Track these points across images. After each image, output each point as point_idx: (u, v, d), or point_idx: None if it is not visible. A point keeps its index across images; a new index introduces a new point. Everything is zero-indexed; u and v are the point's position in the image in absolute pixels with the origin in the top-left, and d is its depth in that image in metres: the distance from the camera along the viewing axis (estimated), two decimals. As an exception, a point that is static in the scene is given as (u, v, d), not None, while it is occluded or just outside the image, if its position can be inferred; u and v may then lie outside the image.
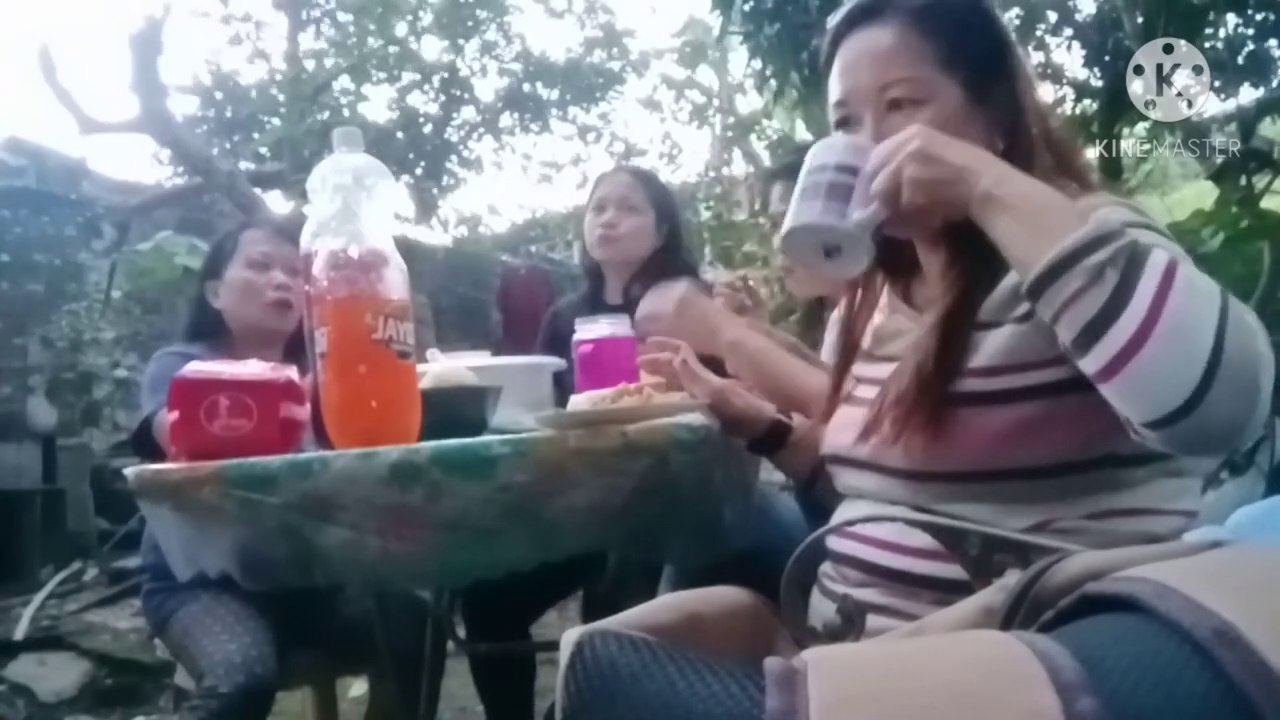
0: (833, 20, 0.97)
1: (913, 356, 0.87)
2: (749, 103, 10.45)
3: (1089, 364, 0.70)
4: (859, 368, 1.00)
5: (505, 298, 7.24)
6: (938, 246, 0.93)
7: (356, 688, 2.37)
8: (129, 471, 1.08)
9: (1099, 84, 4.19)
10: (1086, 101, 4.72)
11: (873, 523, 0.86)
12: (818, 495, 1.12)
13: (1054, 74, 4.74)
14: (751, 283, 1.67)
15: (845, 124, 0.94)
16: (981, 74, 0.90)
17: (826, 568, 0.92)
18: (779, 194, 1.69)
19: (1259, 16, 4.07)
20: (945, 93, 0.90)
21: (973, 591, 0.73)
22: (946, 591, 0.78)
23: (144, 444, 1.56)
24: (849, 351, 1.03)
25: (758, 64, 4.63)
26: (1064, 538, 0.77)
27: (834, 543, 0.90)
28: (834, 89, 0.95)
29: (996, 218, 0.76)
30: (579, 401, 1.11)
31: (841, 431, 0.96)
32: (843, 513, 0.94)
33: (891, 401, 0.86)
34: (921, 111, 0.89)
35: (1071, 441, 0.80)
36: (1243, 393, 0.65)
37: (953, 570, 0.78)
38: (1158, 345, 0.66)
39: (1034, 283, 0.72)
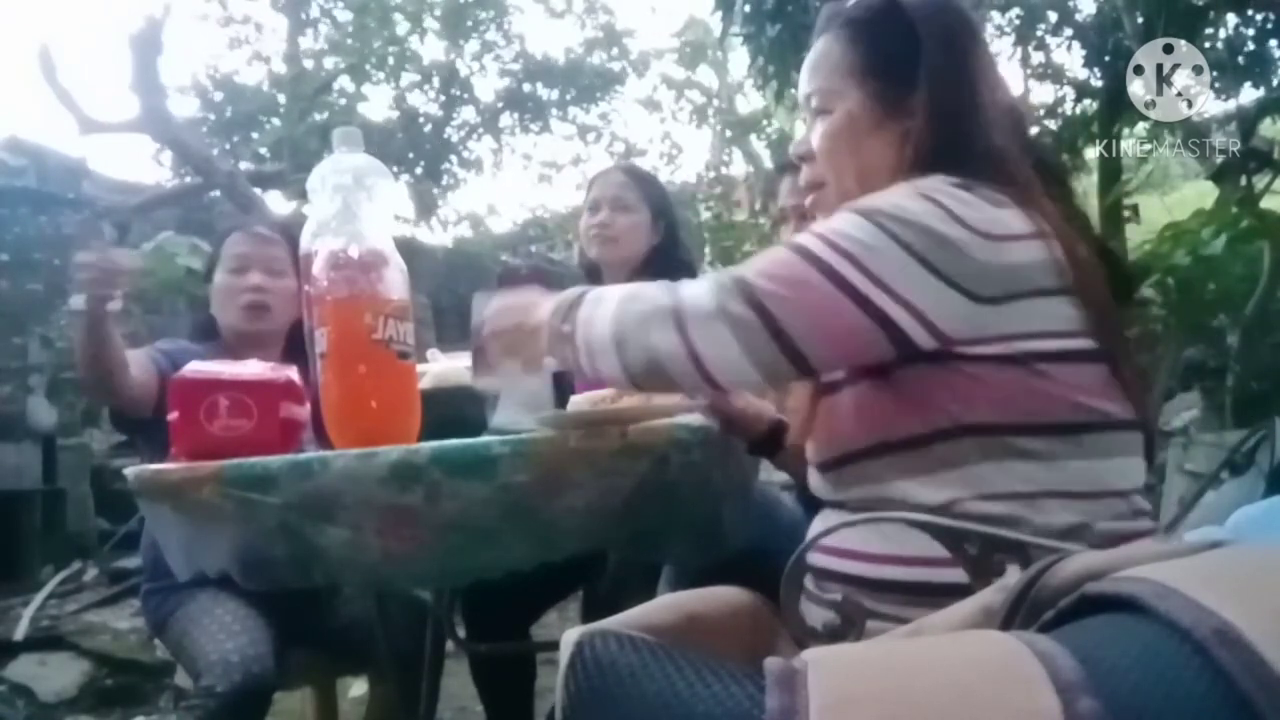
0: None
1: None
2: (749, 103, 10.47)
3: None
4: None
5: (503, 298, 7.22)
6: None
7: (356, 688, 2.37)
8: (129, 471, 1.08)
9: (1099, 84, 4.20)
10: (1086, 101, 4.73)
11: (847, 528, 0.86)
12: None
13: (1054, 74, 4.75)
14: None
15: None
16: (893, 83, 0.91)
17: (809, 579, 0.92)
18: (788, 187, 1.67)
19: (1259, 16, 4.07)
20: (848, 99, 0.93)
21: (943, 593, 0.73)
22: (918, 594, 0.79)
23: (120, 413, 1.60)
24: None
25: (758, 64, 4.63)
26: (980, 522, 0.77)
27: (810, 556, 0.90)
28: None
29: (565, 349, 0.90)
30: (579, 402, 1.11)
31: (800, 429, 0.99)
32: (813, 527, 0.94)
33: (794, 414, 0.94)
34: (825, 120, 0.95)
35: (929, 409, 0.81)
36: (644, 355, 0.83)
37: (919, 573, 0.79)
38: (595, 362, 0.86)
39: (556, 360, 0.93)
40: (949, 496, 0.80)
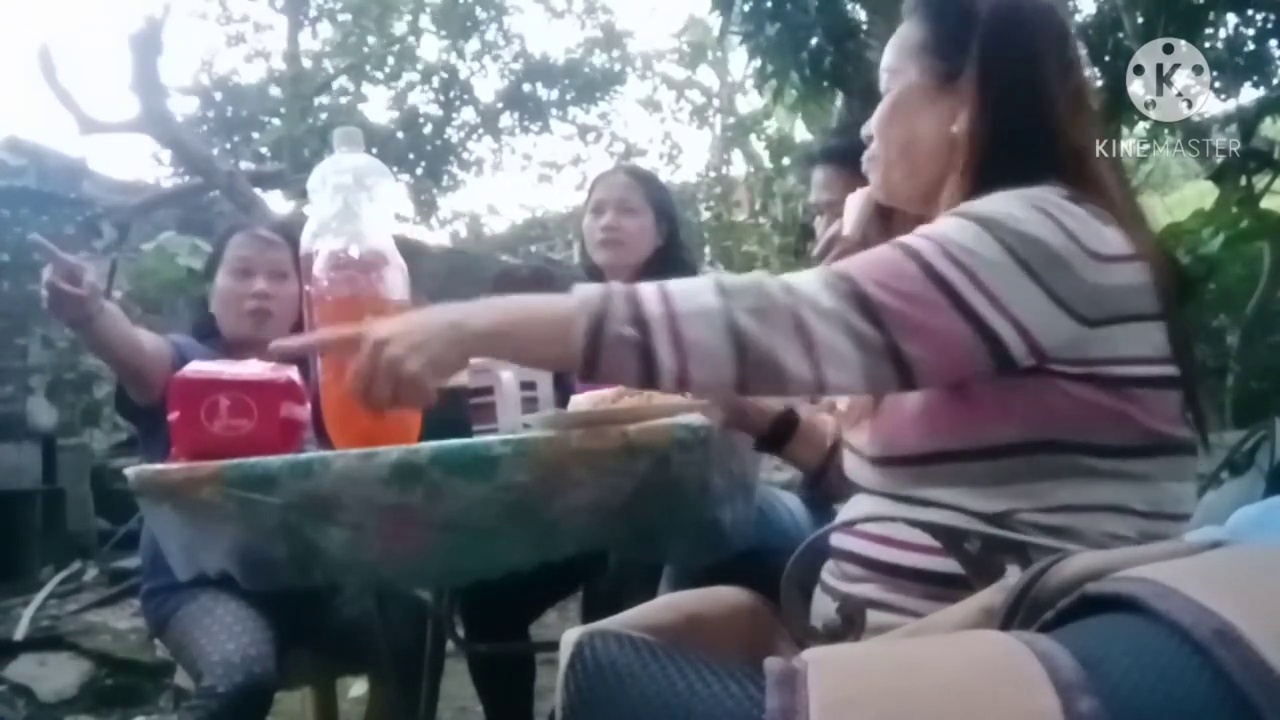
0: None
1: None
2: (749, 103, 10.45)
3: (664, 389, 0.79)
4: None
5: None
6: None
7: (356, 688, 2.37)
8: (129, 471, 1.08)
9: (1099, 84, 4.19)
10: (1086, 101, 4.72)
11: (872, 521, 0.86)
12: (826, 489, 1.12)
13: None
14: None
15: None
16: (945, 58, 0.92)
17: (829, 565, 0.93)
18: (820, 179, 1.64)
19: (1259, 16, 4.07)
20: (906, 76, 0.95)
21: (969, 585, 0.73)
22: (941, 586, 0.78)
23: (125, 400, 1.64)
24: None
25: (758, 64, 4.63)
26: (1033, 531, 0.77)
27: (836, 539, 0.90)
28: None
29: (505, 344, 0.81)
30: (580, 402, 1.11)
31: (847, 420, 0.98)
32: (846, 510, 0.94)
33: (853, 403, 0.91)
34: (885, 98, 0.96)
35: (1005, 423, 0.80)
36: (767, 351, 0.75)
37: (949, 565, 0.78)
38: (694, 359, 0.75)
39: (583, 372, 0.78)
40: (1006, 507, 0.79)
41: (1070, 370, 0.78)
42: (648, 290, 0.78)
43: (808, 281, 0.78)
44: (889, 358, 0.75)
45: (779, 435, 1.16)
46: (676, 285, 0.78)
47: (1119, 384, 0.79)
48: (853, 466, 0.94)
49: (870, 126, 1.00)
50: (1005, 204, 0.80)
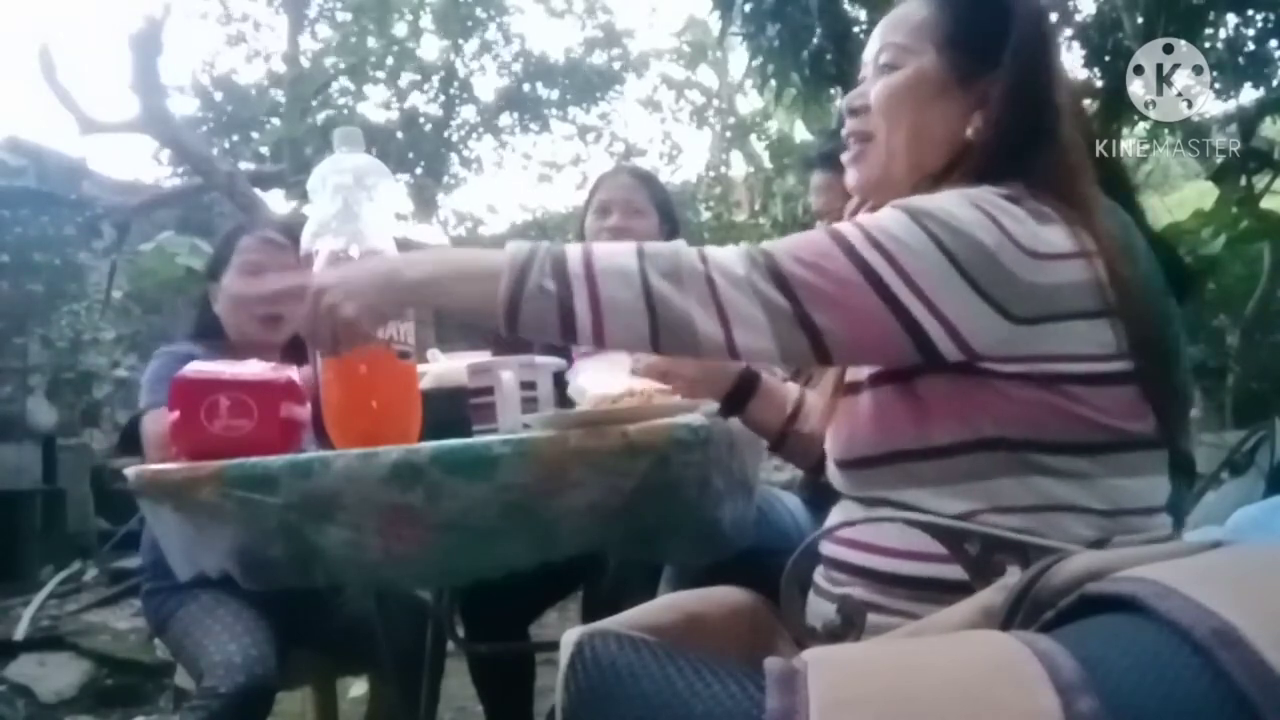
0: None
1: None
2: (749, 103, 10.45)
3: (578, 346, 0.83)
4: None
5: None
6: None
7: (356, 688, 2.37)
8: (129, 471, 1.08)
9: (1099, 84, 4.19)
10: (1086, 101, 4.72)
11: (863, 524, 0.86)
12: (825, 487, 1.12)
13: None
14: None
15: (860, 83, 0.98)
16: (974, 57, 0.90)
17: (819, 571, 0.93)
18: (818, 184, 1.63)
19: (1259, 16, 4.07)
20: (923, 62, 0.91)
21: (951, 589, 0.73)
22: (922, 589, 0.79)
23: (131, 442, 1.57)
24: None
25: (758, 64, 4.63)
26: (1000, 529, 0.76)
27: (823, 547, 0.90)
28: None
29: (436, 294, 0.85)
30: (583, 385, 1.11)
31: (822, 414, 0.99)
32: (831, 515, 0.94)
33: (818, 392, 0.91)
34: (893, 74, 0.92)
35: (951, 421, 0.80)
36: (680, 319, 0.78)
37: (930, 569, 0.79)
38: (609, 319, 0.79)
39: (505, 322, 0.81)
40: (965, 508, 0.79)
41: (1004, 369, 0.78)
42: (573, 249, 0.82)
43: (726, 253, 0.80)
44: (800, 325, 0.77)
45: (739, 396, 1.17)
46: (600, 247, 0.82)
47: (1057, 380, 0.79)
48: (830, 471, 0.95)
49: (863, 99, 0.95)
50: (943, 200, 0.80)
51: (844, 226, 0.80)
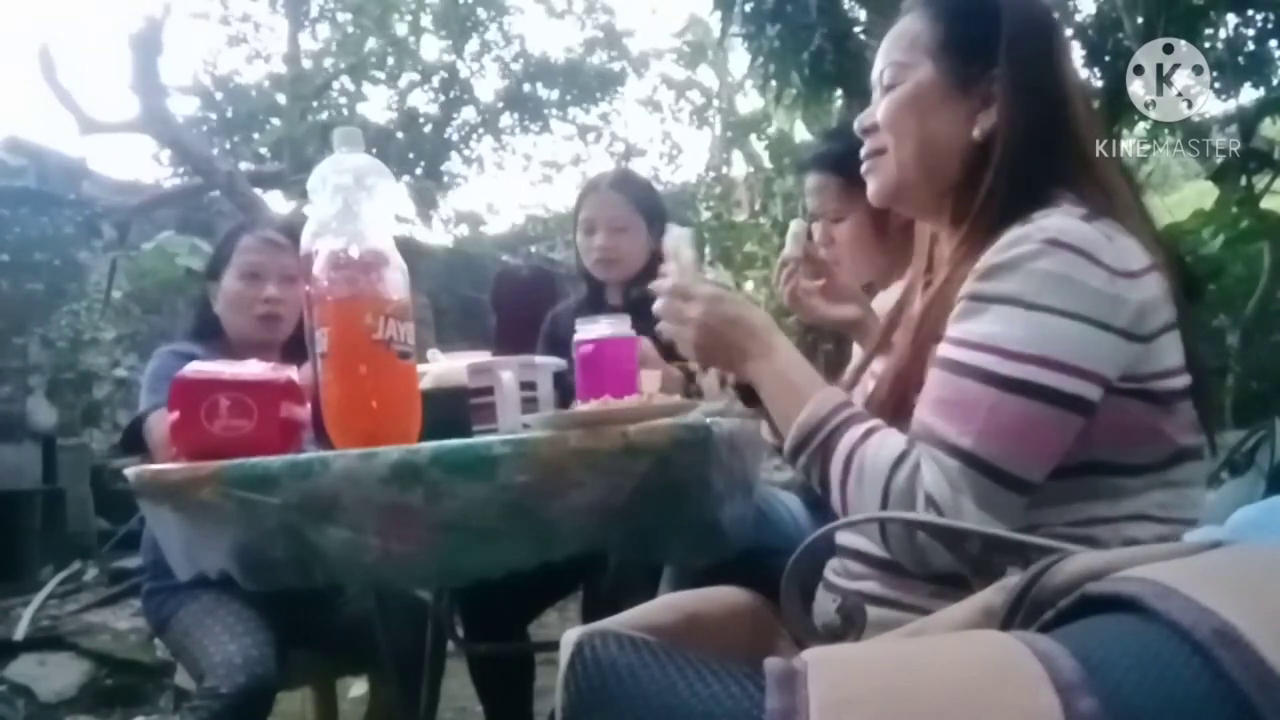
0: None
1: (893, 364, 0.90)
2: (749, 103, 10.45)
3: None
4: (876, 363, 1.03)
5: (499, 298, 7.18)
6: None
7: (356, 688, 2.37)
8: (129, 471, 1.08)
9: (1099, 84, 4.19)
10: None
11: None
12: None
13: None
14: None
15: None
16: (968, 60, 0.90)
17: (833, 562, 0.93)
18: (812, 185, 1.64)
19: (1259, 16, 4.07)
20: (920, 73, 0.92)
21: (971, 584, 0.73)
22: (944, 584, 0.79)
23: (134, 442, 1.57)
24: (877, 348, 1.05)
25: (758, 64, 4.63)
26: (1055, 538, 0.77)
27: (840, 536, 0.91)
28: None
29: (759, 386, 0.94)
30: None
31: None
32: None
33: (875, 406, 0.90)
34: (895, 90, 0.94)
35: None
36: (910, 553, 0.81)
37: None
38: (857, 527, 0.88)
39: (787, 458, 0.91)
40: (1038, 521, 0.81)
41: (1123, 386, 0.80)
42: (843, 446, 0.85)
43: (944, 493, 0.78)
44: (1015, 492, 0.79)
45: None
46: (868, 450, 0.83)
47: (1163, 398, 0.81)
48: None
49: (871, 119, 0.98)
50: (1025, 264, 0.79)
51: (980, 358, 0.79)
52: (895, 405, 0.88)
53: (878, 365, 1.01)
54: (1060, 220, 0.81)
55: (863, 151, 1.00)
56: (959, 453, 0.78)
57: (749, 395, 1.16)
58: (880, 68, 0.97)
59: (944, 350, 0.82)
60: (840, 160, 1.51)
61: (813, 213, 1.63)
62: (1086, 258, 0.78)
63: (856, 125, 1.00)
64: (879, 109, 0.96)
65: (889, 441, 0.82)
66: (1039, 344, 0.77)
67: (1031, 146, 0.87)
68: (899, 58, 0.95)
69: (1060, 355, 0.77)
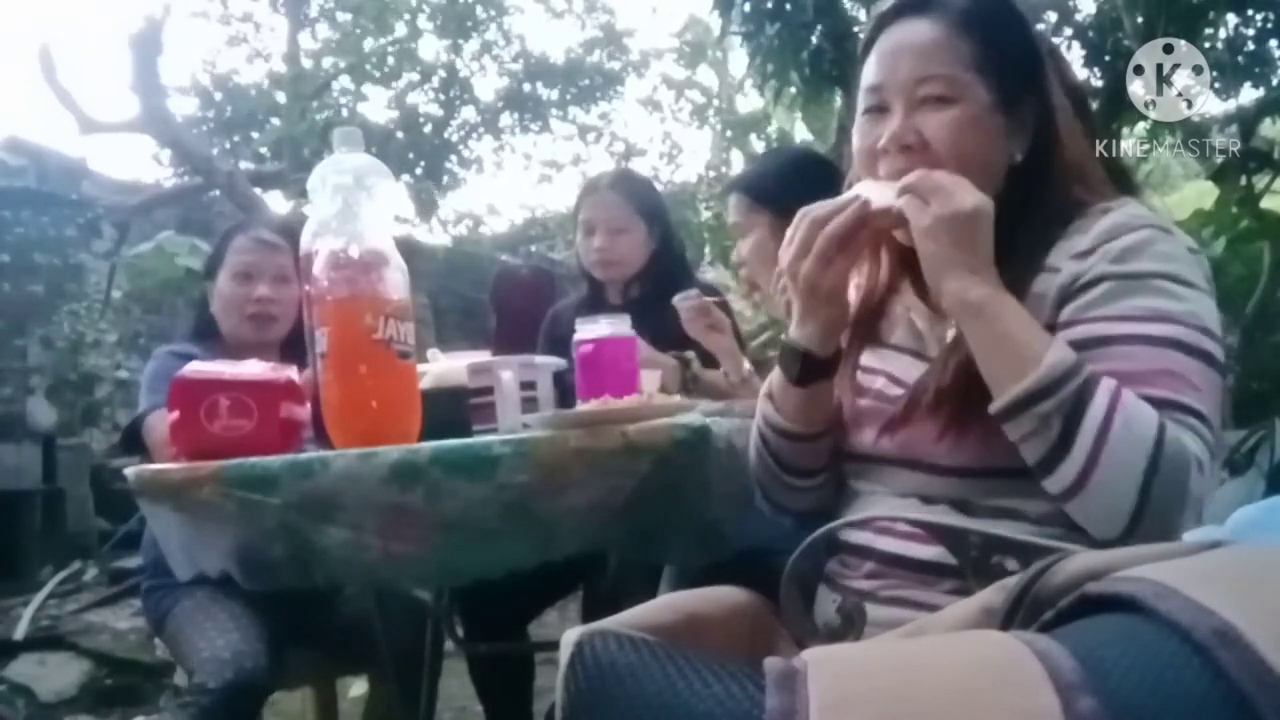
0: (880, 7, 0.97)
1: (953, 355, 0.87)
2: (749, 103, 10.46)
3: (1047, 486, 0.80)
4: (865, 357, 1.00)
5: (498, 297, 7.16)
6: None
7: (356, 688, 2.37)
8: (129, 471, 1.08)
9: (1099, 84, 4.19)
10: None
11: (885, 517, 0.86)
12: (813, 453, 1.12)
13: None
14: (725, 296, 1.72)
15: (874, 111, 0.94)
16: (1012, 82, 0.91)
17: (834, 562, 0.92)
18: (734, 205, 1.72)
19: (1259, 16, 4.07)
20: (975, 94, 0.90)
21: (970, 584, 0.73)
22: (963, 579, 0.78)
23: (133, 442, 1.57)
24: (858, 341, 1.02)
25: (758, 64, 4.63)
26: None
27: (848, 534, 0.90)
28: (869, 74, 0.95)
29: (972, 325, 0.82)
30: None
31: (860, 428, 0.95)
32: (856, 511, 0.93)
33: (932, 399, 0.87)
34: (950, 109, 0.90)
35: None
36: (1164, 522, 0.76)
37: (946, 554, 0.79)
38: (1091, 494, 0.77)
39: (996, 416, 0.80)
40: (1047, 511, 0.82)
41: None
42: (1109, 400, 0.77)
43: (1206, 459, 0.79)
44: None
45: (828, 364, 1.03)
46: (1132, 412, 0.77)
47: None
48: (884, 478, 0.93)
49: (916, 135, 0.90)
50: (1149, 247, 0.84)
51: (1181, 332, 0.82)
52: (967, 391, 0.85)
53: (868, 359, 0.99)
54: (1139, 209, 0.88)
55: (900, 169, 0.90)
56: (1205, 420, 0.81)
57: (808, 366, 0.95)
58: (920, 75, 0.90)
59: (1125, 327, 0.82)
60: (748, 181, 1.72)
61: (733, 227, 1.72)
62: (1184, 242, 0.86)
63: (892, 142, 0.91)
64: (928, 127, 0.89)
65: (1140, 401, 0.79)
66: (1201, 317, 0.82)
67: (1082, 159, 0.92)
68: (945, 71, 0.89)
69: (1214, 327, 0.83)
